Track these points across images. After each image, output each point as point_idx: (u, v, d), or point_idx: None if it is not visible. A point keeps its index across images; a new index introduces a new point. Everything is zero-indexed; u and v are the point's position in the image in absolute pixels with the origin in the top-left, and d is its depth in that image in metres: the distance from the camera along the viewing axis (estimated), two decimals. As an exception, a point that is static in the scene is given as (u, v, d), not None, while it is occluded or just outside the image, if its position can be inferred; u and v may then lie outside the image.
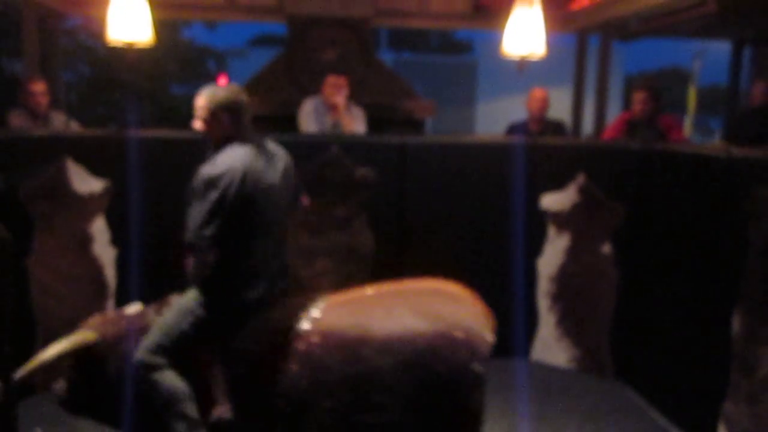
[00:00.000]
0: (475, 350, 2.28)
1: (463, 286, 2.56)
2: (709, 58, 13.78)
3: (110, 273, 3.75)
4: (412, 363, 2.26)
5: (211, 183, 2.36)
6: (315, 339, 2.38)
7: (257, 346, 2.46)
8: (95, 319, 2.74)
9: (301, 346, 2.38)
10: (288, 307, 2.52)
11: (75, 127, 5.00)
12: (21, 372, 2.50)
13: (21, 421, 3.18)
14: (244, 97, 2.54)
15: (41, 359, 2.56)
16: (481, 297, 2.55)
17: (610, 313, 3.91)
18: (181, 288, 2.71)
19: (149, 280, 3.74)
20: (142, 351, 2.47)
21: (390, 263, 3.87)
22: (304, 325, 2.42)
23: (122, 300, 3.75)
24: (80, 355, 2.60)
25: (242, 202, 2.39)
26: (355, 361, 2.30)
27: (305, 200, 3.01)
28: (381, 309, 2.44)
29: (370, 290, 2.59)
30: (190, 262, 2.47)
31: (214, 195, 2.35)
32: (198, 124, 2.54)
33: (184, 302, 2.56)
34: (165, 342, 2.47)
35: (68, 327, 3.55)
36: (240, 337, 2.47)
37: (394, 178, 3.91)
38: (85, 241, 3.66)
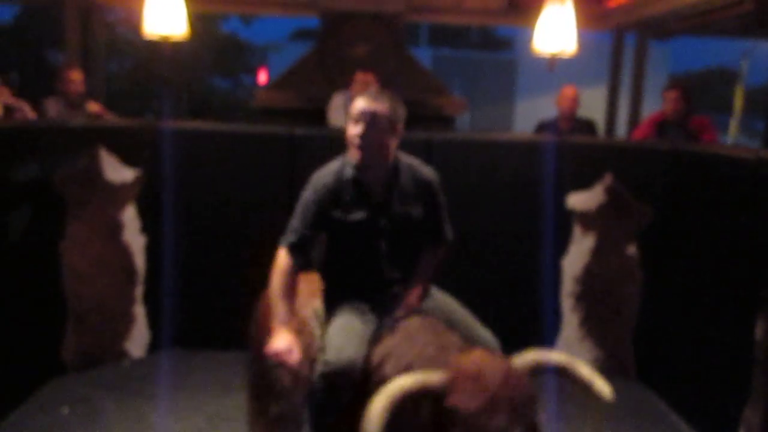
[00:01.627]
0: None
1: None
2: (759, 58, 13.40)
3: (140, 260, 3.85)
4: None
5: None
6: None
7: None
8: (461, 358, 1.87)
9: None
10: None
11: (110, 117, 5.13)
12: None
13: (48, 400, 3.33)
14: None
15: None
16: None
17: (634, 315, 3.87)
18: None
19: (178, 268, 3.85)
20: None
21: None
22: None
23: (151, 287, 3.87)
24: None
25: None
26: None
27: None
28: None
29: None
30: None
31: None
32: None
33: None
34: None
35: (97, 311, 3.71)
36: None
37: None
38: (116, 229, 3.76)
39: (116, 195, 3.73)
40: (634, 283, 3.86)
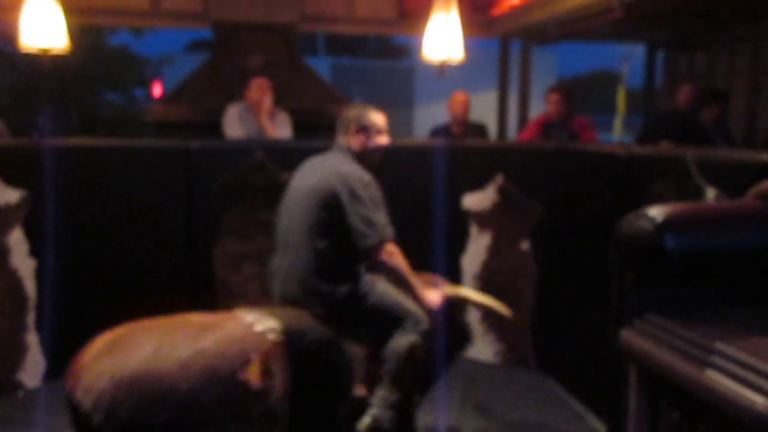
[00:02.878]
0: None
1: None
2: (638, 60, 14.35)
3: (30, 285, 3.67)
4: None
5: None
6: None
7: None
8: None
9: None
10: None
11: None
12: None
13: None
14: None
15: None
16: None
17: (530, 307, 4.07)
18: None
19: (72, 291, 3.70)
20: None
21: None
22: None
23: (44, 312, 3.69)
24: None
25: None
26: None
27: None
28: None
29: None
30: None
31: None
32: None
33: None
34: None
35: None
36: None
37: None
38: (2, 253, 3.58)
39: (0, 218, 3.55)
40: (528, 277, 4.06)
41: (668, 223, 1.68)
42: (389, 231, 2.65)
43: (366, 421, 2.63)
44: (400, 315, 2.67)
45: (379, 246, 2.61)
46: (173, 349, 2.26)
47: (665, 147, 3.77)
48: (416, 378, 2.73)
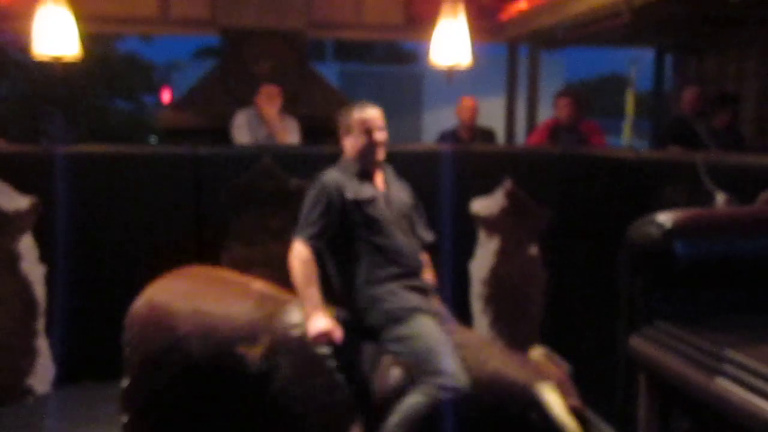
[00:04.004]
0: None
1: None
2: (646, 64, 14.31)
3: (40, 291, 3.69)
4: None
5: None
6: None
7: None
8: None
9: None
10: None
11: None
12: None
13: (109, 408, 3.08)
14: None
15: None
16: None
17: (540, 313, 4.05)
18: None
19: (82, 297, 3.71)
20: None
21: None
22: None
23: (54, 318, 3.71)
24: None
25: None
26: None
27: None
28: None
29: None
30: None
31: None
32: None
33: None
34: None
35: (-4, 347, 3.52)
36: None
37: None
38: (13, 260, 3.60)
39: (11, 224, 3.57)
40: (537, 282, 4.04)
41: (677, 230, 1.67)
42: (304, 232, 2.59)
43: None
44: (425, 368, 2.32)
45: (292, 241, 2.59)
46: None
47: (674, 151, 3.75)
48: None
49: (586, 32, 5.43)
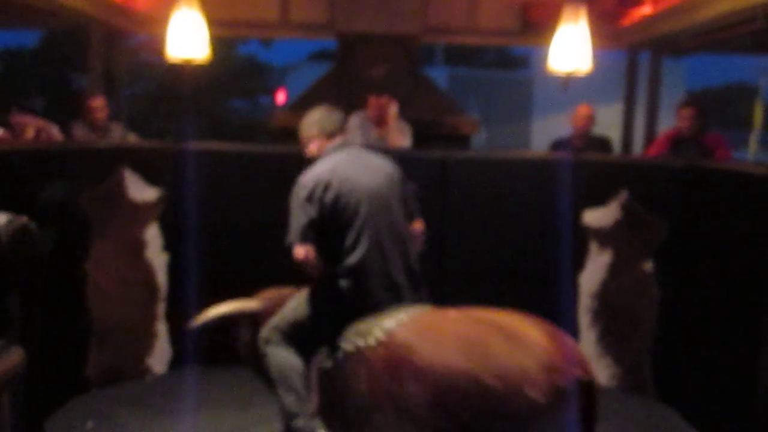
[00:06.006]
0: (504, 402, 2.14)
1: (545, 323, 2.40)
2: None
3: (162, 277, 3.94)
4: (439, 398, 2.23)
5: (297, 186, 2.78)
6: (381, 352, 2.44)
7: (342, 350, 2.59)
8: (269, 292, 3.05)
9: (369, 355, 2.48)
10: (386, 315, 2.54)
11: (133, 138, 5.26)
12: (194, 322, 2.99)
13: (73, 417, 3.39)
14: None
15: (209, 315, 2.97)
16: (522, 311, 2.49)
17: (651, 331, 3.87)
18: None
19: (200, 284, 3.92)
20: (265, 326, 2.82)
21: (431, 278, 3.93)
22: (378, 335, 2.48)
23: (173, 303, 3.94)
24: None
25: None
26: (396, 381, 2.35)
27: (419, 225, 2.97)
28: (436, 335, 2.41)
29: (452, 313, 2.53)
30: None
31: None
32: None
33: (302, 294, 2.81)
34: (281, 324, 2.79)
35: (121, 328, 3.77)
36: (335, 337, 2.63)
37: (436, 192, 3.97)
38: (139, 247, 3.86)
39: (139, 214, 3.83)
40: (650, 299, 3.86)
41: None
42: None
43: None
44: None
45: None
46: None
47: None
48: None
49: (714, 39, 5.14)
